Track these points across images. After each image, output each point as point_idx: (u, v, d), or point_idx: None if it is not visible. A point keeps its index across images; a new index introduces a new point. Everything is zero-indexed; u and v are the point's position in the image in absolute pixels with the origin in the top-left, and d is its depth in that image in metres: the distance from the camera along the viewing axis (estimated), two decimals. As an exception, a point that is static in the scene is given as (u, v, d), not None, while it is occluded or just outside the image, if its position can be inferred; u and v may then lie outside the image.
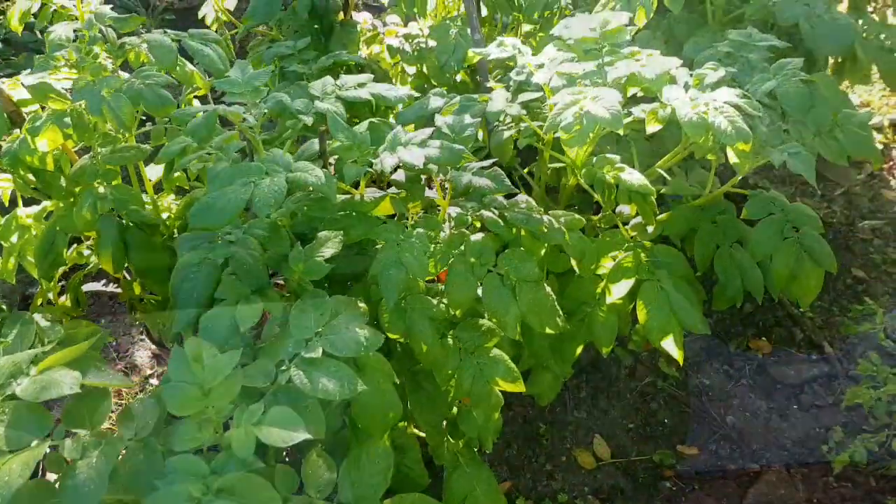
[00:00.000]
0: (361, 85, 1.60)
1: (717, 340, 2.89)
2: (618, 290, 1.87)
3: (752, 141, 1.62)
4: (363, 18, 3.12)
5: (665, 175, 2.14)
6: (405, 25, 2.85)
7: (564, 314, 2.07)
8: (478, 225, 1.64)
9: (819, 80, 1.74)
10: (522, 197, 1.67)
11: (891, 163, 3.57)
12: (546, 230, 1.61)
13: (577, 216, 1.75)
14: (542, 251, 1.66)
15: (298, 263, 1.38)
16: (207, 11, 3.08)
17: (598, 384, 2.78)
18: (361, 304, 1.36)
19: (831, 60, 2.53)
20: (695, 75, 1.82)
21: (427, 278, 1.55)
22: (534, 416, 2.64)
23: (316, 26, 2.75)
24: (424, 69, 2.72)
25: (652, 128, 1.71)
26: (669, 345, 1.83)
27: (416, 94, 1.67)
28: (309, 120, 1.48)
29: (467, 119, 1.67)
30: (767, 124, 1.74)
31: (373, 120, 1.60)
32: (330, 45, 2.70)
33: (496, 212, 1.62)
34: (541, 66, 1.96)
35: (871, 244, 3.21)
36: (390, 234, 1.46)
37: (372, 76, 1.65)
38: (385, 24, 2.91)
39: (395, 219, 1.60)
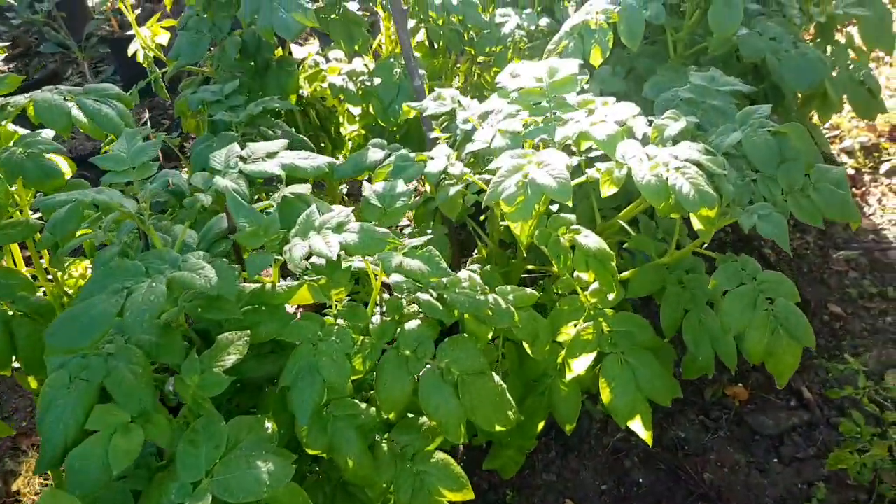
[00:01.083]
0: (272, 155, 1.39)
1: (692, 388, 2.71)
2: (578, 366, 1.68)
3: (717, 204, 1.45)
4: (307, 52, 2.92)
5: (627, 228, 1.97)
6: (349, 61, 2.65)
7: (524, 385, 1.88)
8: (414, 308, 1.43)
9: (789, 131, 1.57)
10: (465, 273, 1.48)
11: (863, 188, 3.44)
12: (492, 313, 1.41)
13: (528, 291, 1.56)
14: (490, 334, 1.47)
15: (193, 376, 1.17)
16: (137, 48, 2.85)
17: (569, 441, 2.58)
18: (269, 424, 1.15)
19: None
20: (654, 126, 1.65)
21: (355, 376, 1.34)
22: (499, 482, 2.44)
23: (251, 63, 2.54)
24: (371, 109, 2.53)
25: (608, 190, 1.52)
26: (637, 426, 1.65)
27: (336, 161, 1.47)
28: (207, 200, 1.27)
29: (399, 187, 1.47)
30: (734, 180, 1.57)
31: (287, 194, 1.40)
32: (266, 85, 2.49)
33: (434, 293, 1.42)
34: (487, 114, 1.78)
35: (847, 276, 3.07)
36: (305, 332, 1.25)
37: (285, 142, 1.44)
38: (328, 60, 2.70)
39: (322, 308, 1.39)
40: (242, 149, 1.39)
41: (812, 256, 3.14)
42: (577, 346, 1.69)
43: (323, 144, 2.83)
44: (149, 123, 3.64)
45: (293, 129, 2.76)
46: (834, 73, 2.30)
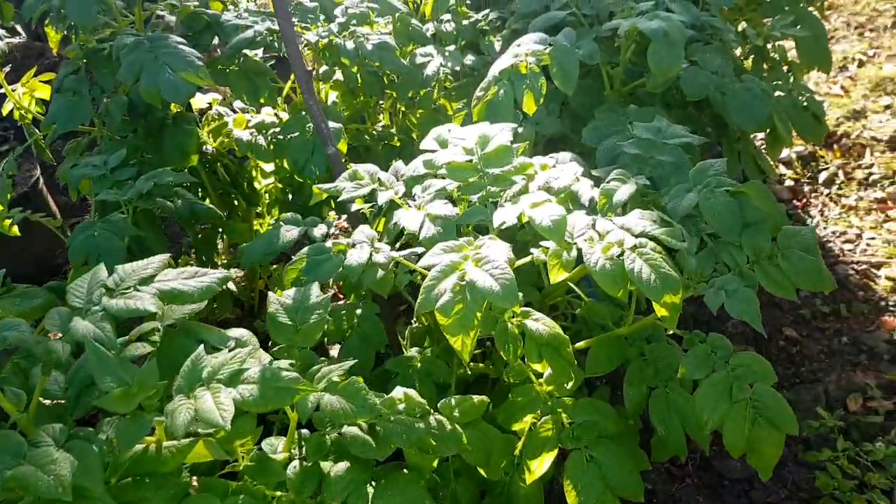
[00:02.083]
0: (147, 280, 1.12)
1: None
2: (538, 467, 1.48)
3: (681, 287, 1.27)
4: (210, 98, 2.62)
5: (577, 290, 1.78)
6: (257, 111, 2.38)
7: (477, 485, 1.67)
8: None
9: (750, 191, 1.40)
10: (399, 391, 1.25)
11: (804, 200, 3.39)
12: (436, 441, 1.19)
13: (475, 399, 1.34)
14: (435, 462, 1.24)
15: None
16: (12, 107, 2.49)
17: (529, 508, 2.37)
18: None
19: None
20: (602, 191, 1.46)
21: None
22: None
23: (143, 122, 2.23)
24: (285, 164, 2.26)
25: (558, 276, 1.32)
26: (607, 531, 1.46)
27: (229, 274, 1.21)
28: (63, 351, 1.00)
29: (314, 295, 1.23)
30: (693, 249, 1.40)
31: (172, 325, 1.13)
32: (161, 147, 2.19)
33: (365, 424, 1.18)
34: (413, 182, 1.55)
35: (798, 295, 2.99)
36: (203, 511, 1.00)
37: (165, 259, 1.18)
38: (234, 111, 2.42)
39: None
40: (110, 274, 1.12)
41: (761, 277, 3.05)
42: (535, 444, 1.49)
43: (236, 202, 2.55)
44: (40, 181, 3.25)
45: (199, 190, 2.48)
46: (777, 94, 2.19)
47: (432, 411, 1.25)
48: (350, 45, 2.00)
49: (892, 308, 2.79)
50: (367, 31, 2.06)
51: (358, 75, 2.18)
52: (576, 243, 1.32)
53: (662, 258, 1.28)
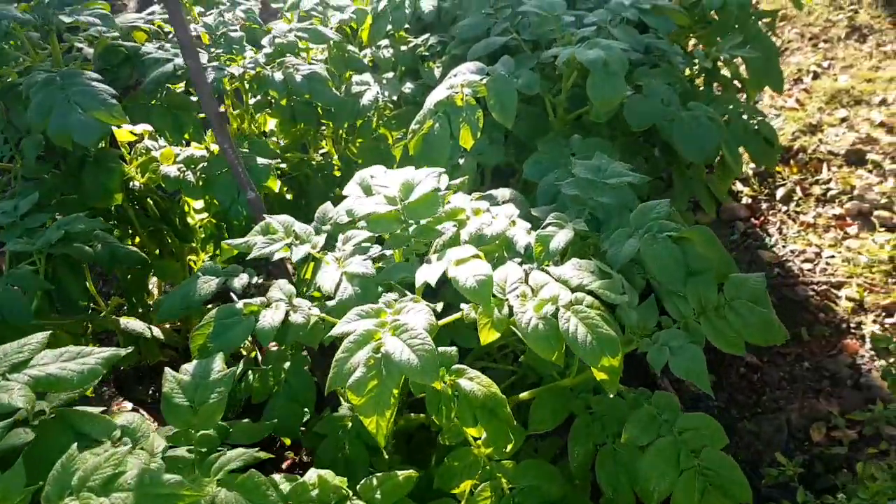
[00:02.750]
0: (19, 367, 0.98)
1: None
2: (477, 540, 1.37)
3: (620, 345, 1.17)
4: (141, 129, 2.47)
5: (519, 333, 1.67)
6: (186, 146, 2.24)
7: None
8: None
9: (694, 237, 1.31)
10: (312, 474, 1.12)
11: (762, 218, 3.34)
12: (352, 530, 1.07)
13: (400, 476, 1.22)
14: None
15: None
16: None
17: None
18: None
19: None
20: (537, 238, 1.36)
21: None
22: None
23: (63, 161, 2.08)
24: (215, 200, 2.12)
25: (489, 337, 1.22)
26: None
27: (118, 353, 1.07)
28: None
29: (215, 370, 1.11)
30: (633, 300, 1.30)
31: (49, 410, 1.00)
32: (82, 186, 2.04)
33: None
34: (339, 229, 1.44)
35: (758, 317, 2.92)
36: None
37: (45, 336, 1.05)
38: (160, 146, 2.27)
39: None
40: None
41: (721, 299, 2.98)
42: (473, 514, 1.38)
43: (168, 239, 2.41)
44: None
45: (129, 228, 2.33)
46: (727, 118, 2.11)
47: (350, 495, 1.13)
48: (279, 76, 1.88)
49: (853, 330, 2.74)
50: (297, 61, 1.94)
51: (292, 106, 2.06)
52: (507, 300, 1.22)
53: (600, 315, 1.18)
